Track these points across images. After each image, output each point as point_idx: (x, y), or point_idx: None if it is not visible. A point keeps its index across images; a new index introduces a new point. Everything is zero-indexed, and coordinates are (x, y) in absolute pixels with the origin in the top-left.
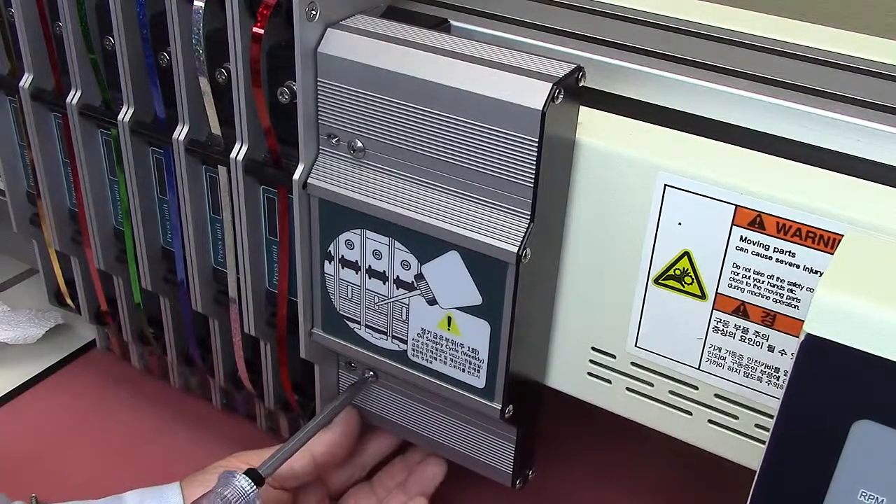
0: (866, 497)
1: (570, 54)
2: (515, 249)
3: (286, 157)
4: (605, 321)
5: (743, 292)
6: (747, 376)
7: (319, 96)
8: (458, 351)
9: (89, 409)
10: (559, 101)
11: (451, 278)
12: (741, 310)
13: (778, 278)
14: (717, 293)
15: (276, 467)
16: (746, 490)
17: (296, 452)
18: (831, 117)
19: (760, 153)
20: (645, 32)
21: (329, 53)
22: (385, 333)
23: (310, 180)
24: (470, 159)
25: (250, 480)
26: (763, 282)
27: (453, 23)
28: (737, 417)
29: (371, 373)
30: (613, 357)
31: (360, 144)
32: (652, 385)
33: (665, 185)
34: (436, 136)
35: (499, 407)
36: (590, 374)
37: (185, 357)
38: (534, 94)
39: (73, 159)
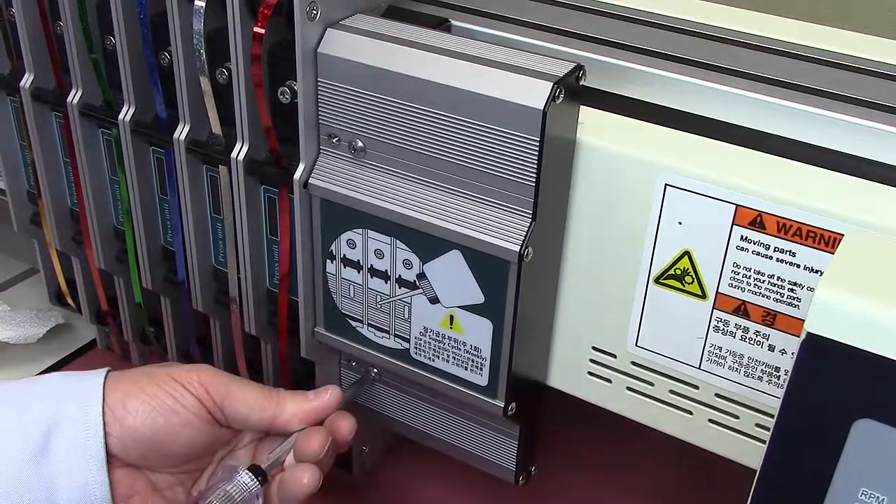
0: (867, 496)
1: (571, 54)
2: (517, 248)
3: (287, 156)
4: (605, 320)
5: (743, 292)
6: (748, 376)
7: (320, 96)
8: (460, 349)
9: None
10: (560, 100)
11: (453, 277)
12: (742, 309)
13: (778, 278)
14: (717, 292)
15: (278, 462)
16: (746, 490)
17: (292, 446)
18: (831, 117)
19: (761, 153)
20: (645, 32)
21: (329, 53)
22: (388, 332)
23: (311, 180)
24: (471, 159)
25: (253, 475)
26: (763, 281)
27: (454, 22)
28: (737, 417)
29: (375, 370)
30: (614, 356)
31: (360, 144)
32: (652, 384)
33: (665, 184)
34: (437, 135)
35: (501, 405)
36: (590, 373)
37: (186, 357)
38: (534, 94)
39: (74, 159)
